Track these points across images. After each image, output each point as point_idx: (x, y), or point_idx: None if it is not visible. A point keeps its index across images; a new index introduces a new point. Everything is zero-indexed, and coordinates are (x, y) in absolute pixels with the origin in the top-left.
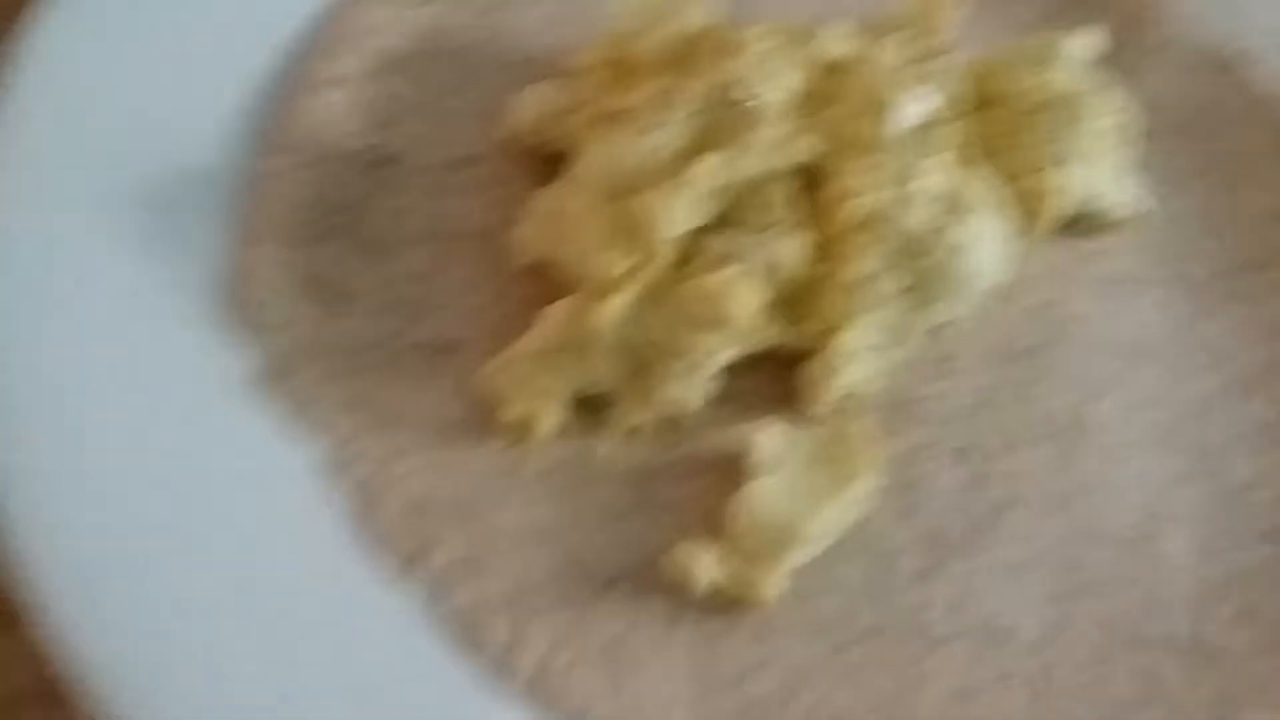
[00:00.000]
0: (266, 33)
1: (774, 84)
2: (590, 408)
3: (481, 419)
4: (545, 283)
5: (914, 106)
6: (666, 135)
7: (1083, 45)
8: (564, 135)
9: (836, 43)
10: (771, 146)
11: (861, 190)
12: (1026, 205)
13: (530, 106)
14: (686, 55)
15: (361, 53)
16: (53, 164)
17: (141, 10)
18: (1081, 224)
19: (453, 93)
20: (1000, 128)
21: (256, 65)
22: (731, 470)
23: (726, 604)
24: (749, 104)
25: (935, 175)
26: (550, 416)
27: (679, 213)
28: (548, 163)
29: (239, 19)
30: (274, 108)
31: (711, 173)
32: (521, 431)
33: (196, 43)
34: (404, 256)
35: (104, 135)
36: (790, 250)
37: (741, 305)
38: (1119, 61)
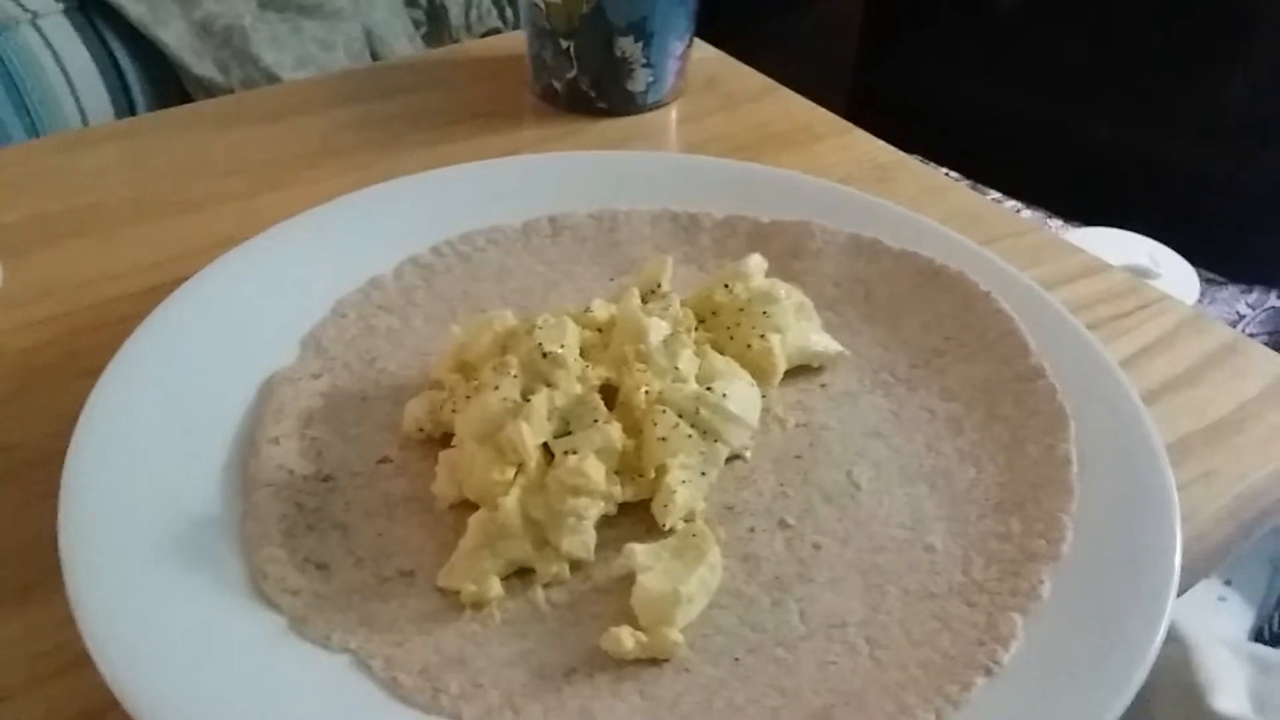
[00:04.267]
0: (229, 417)
1: (564, 339)
2: (520, 572)
3: (449, 605)
4: (463, 512)
5: (657, 331)
6: (507, 389)
7: (755, 264)
8: (445, 420)
9: (601, 311)
10: (576, 378)
11: (644, 385)
12: (759, 365)
13: (416, 410)
14: (504, 345)
15: (289, 416)
16: (116, 506)
17: (161, 410)
18: (801, 369)
19: (357, 422)
20: (724, 325)
21: (229, 438)
22: (627, 580)
23: (650, 659)
24: (553, 353)
25: (686, 363)
26: (494, 588)
27: (531, 432)
28: (440, 442)
29: (211, 416)
30: (245, 460)
31: (544, 402)
32: (479, 603)
33: (194, 430)
34: (361, 529)
35: (151, 488)
36: (613, 435)
37: (594, 477)
38: (784, 268)
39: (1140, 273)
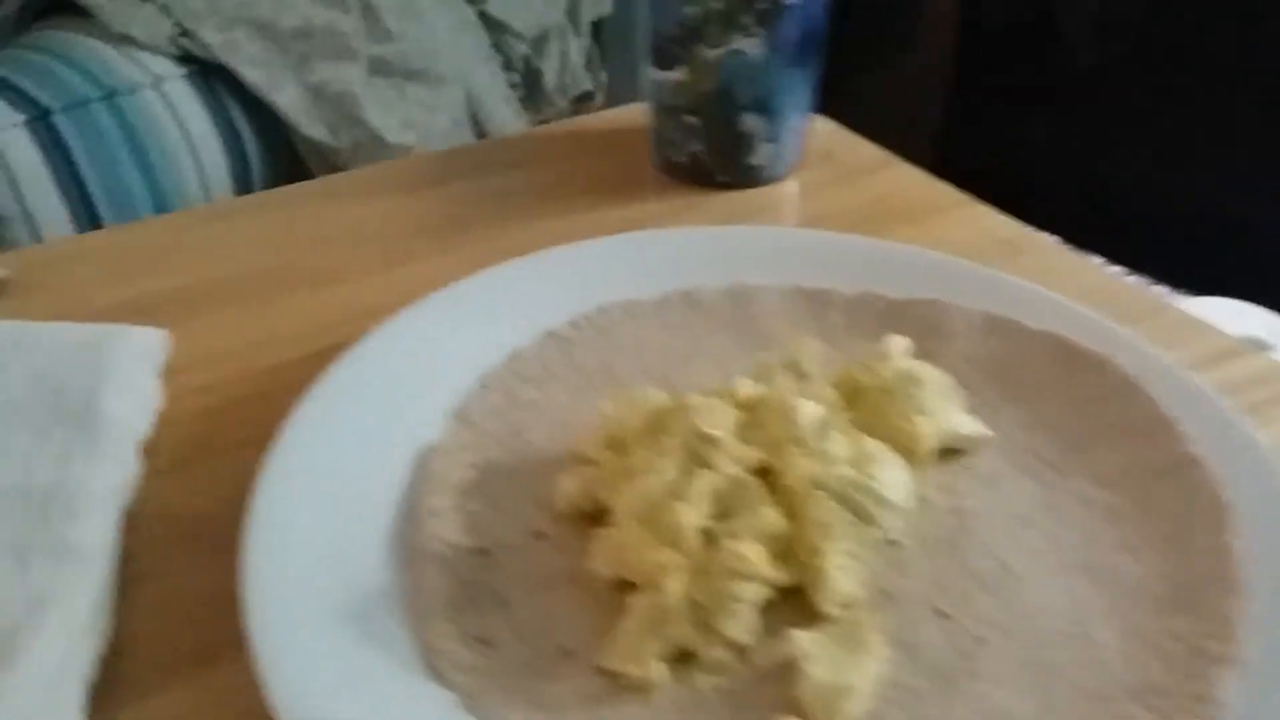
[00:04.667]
0: (388, 488)
1: (721, 421)
2: (681, 656)
3: (612, 686)
4: (619, 590)
5: (809, 414)
6: (666, 470)
7: (898, 345)
8: (598, 496)
9: (747, 390)
10: (734, 459)
11: (800, 468)
12: (908, 448)
13: (568, 486)
14: (658, 424)
15: (445, 489)
16: (294, 576)
17: (328, 481)
18: (945, 451)
19: (509, 495)
20: (870, 406)
21: (390, 508)
22: (788, 666)
23: None
24: (711, 436)
25: (839, 446)
26: (657, 671)
27: (691, 514)
28: (593, 517)
29: (373, 487)
30: (407, 532)
31: (704, 484)
32: (642, 685)
33: (359, 500)
34: (521, 605)
35: (324, 559)
36: (773, 518)
37: (756, 561)
38: (918, 347)
39: (1256, 344)
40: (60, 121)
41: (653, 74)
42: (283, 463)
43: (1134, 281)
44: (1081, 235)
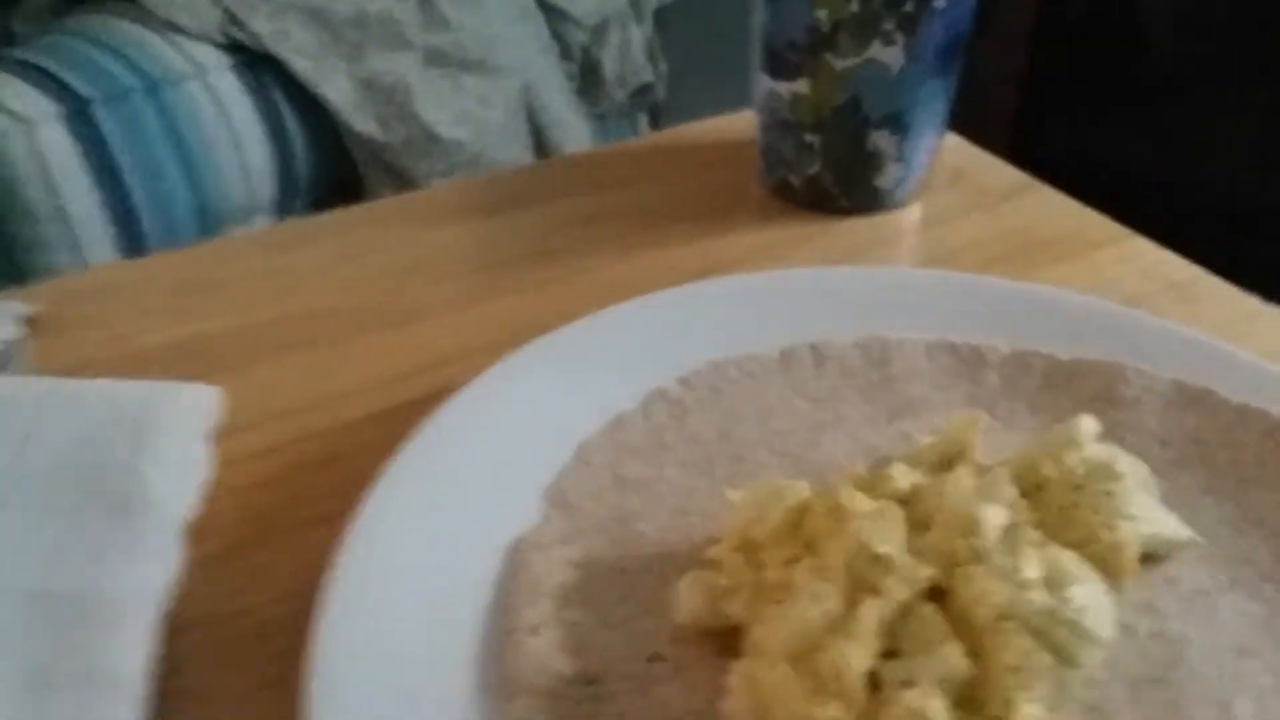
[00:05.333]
0: (475, 590)
1: (894, 536)
2: None
3: None
4: None
5: (993, 521)
6: (826, 598)
7: (1088, 428)
8: (726, 611)
9: (903, 478)
10: (903, 582)
11: (986, 594)
12: (1106, 561)
13: (690, 597)
14: (801, 524)
15: (543, 596)
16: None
17: (405, 582)
18: (1143, 559)
19: (619, 603)
20: (1056, 506)
21: (478, 616)
22: None
23: None
24: (884, 556)
25: (1031, 564)
26: None
27: (858, 655)
28: (720, 635)
29: (456, 590)
30: (502, 654)
31: (872, 617)
32: None
33: (439, 607)
34: None
35: (401, 684)
36: (956, 660)
37: (934, 716)
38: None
39: None
40: (99, 114)
41: (767, 84)
42: (355, 557)
43: None
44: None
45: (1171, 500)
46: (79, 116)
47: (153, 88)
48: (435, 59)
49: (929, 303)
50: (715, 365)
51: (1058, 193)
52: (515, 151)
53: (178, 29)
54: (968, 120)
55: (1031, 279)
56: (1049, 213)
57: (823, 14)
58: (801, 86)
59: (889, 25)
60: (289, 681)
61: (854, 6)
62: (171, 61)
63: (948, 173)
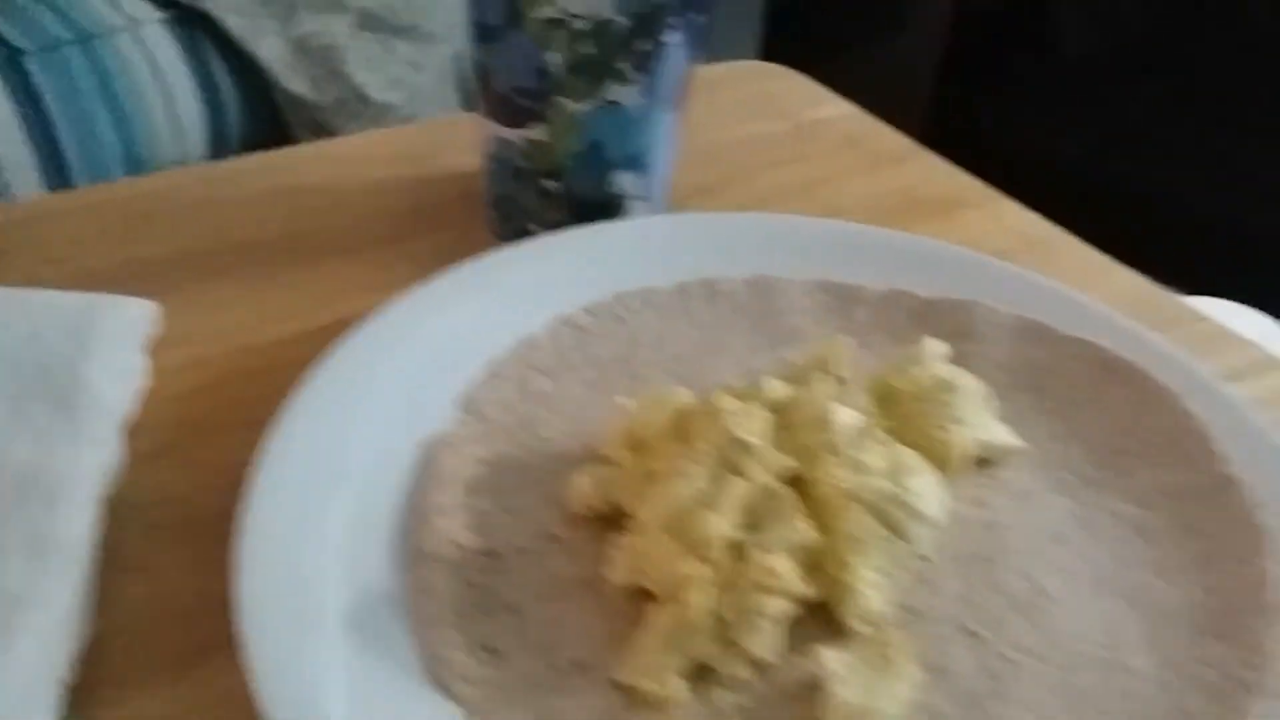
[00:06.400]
0: (392, 481)
1: (757, 426)
2: (699, 671)
3: (627, 702)
4: (635, 599)
5: (845, 421)
6: (697, 477)
7: (934, 349)
8: (616, 498)
9: (777, 391)
10: (766, 468)
11: (835, 478)
12: (940, 458)
13: (584, 487)
14: (684, 425)
15: (453, 484)
16: (292, 575)
17: (327, 473)
18: (977, 463)
19: (520, 493)
20: (903, 414)
21: (394, 503)
22: (810, 685)
23: None
24: (747, 442)
25: (875, 456)
26: (676, 687)
27: (722, 524)
28: (609, 521)
29: (375, 480)
30: (412, 530)
31: (735, 493)
32: (661, 702)
33: (360, 494)
34: (532, 613)
35: (323, 556)
36: (803, 530)
37: (787, 576)
38: (956, 352)
39: None
40: (32, 64)
41: (496, 131)
42: (280, 451)
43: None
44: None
45: (1010, 417)
46: (10, 66)
47: (85, 39)
48: (368, 23)
49: (813, 247)
50: (618, 296)
51: (939, 159)
52: (445, 116)
53: None
54: (888, 106)
55: (910, 233)
56: (930, 176)
57: (554, 56)
58: (535, 133)
59: (623, 65)
60: (218, 559)
61: (586, 47)
62: (104, 14)
63: (841, 138)
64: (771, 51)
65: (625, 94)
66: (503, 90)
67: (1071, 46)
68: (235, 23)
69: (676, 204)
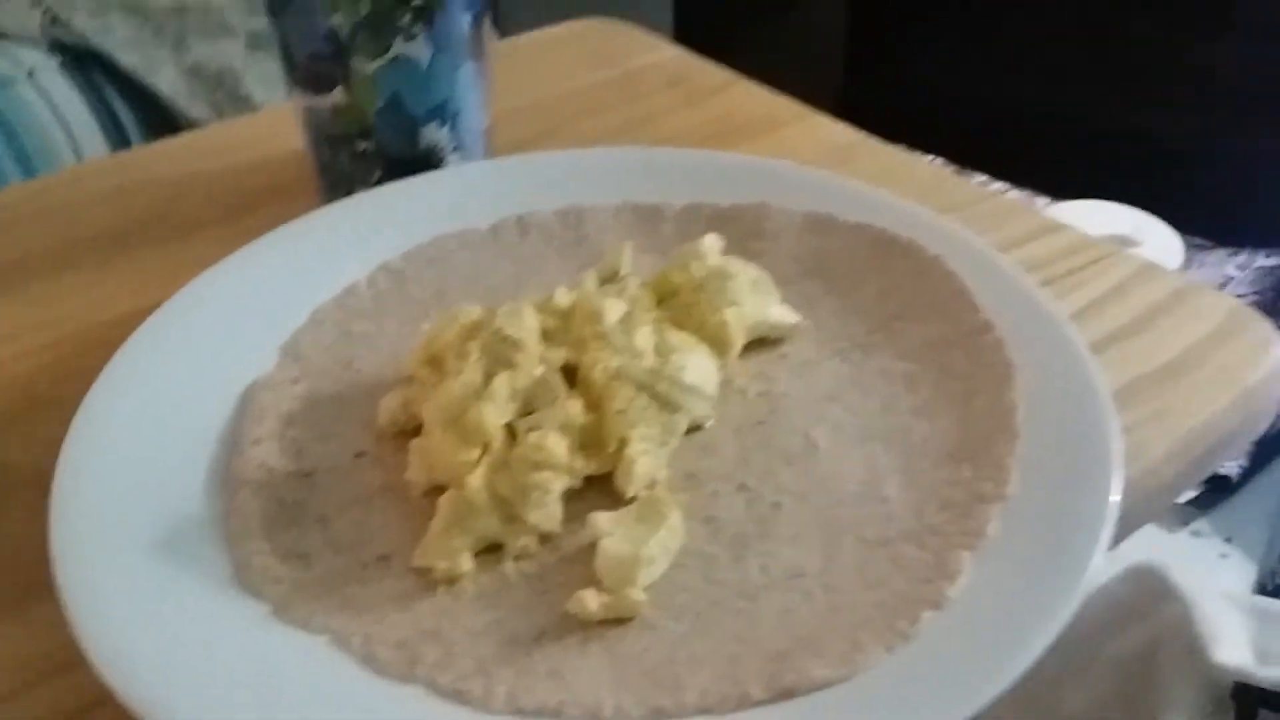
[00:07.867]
0: (212, 424)
1: (524, 324)
2: (492, 548)
3: (424, 584)
4: (436, 497)
5: (614, 310)
6: (469, 374)
7: (711, 243)
8: (418, 412)
9: (563, 298)
10: (536, 360)
11: (603, 362)
12: (717, 339)
13: (390, 404)
14: (469, 335)
15: (269, 418)
16: (104, 512)
17: (146, 421)
18: (762, 342)
19: (335, 421)
20: (682, 304)
21: (213, 443)
22: (593, 548)
23: (616, 619)
24: (513, 338)
25: (643, 340)
26: (465, 563)
27: (493, 412)
28: (415, 434)
29: (196, 424)
30: (228, 461)
31: (505, 384)
32: (452, 578)
33: (179, 437)
34: (340, 520)
35: (137, 494)
36: (573, 410)
37: (556, 452)
38: (744, 249)
39: (1123, 241)
40: None
41: (304, 100)
42: (101, 401)
43: (1013, 195)
44: (980, 158)
45: (797, 300)
46: None
47: None
48: (259, 42)
49: (619, 175)
50: (434, 240)
51: (757, 85)
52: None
53: (1, 34)
54: (806, 70)
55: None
56: (748, 102)
57: (338, 19)
58: (338, 96)
59: (405, 20)
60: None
61: (365, 7)
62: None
63: (664, 79)
64: (682, 33)
65: (413, 48)
66: (301, 59)
67: None
68: (129, 59)
69: (501, 155)
